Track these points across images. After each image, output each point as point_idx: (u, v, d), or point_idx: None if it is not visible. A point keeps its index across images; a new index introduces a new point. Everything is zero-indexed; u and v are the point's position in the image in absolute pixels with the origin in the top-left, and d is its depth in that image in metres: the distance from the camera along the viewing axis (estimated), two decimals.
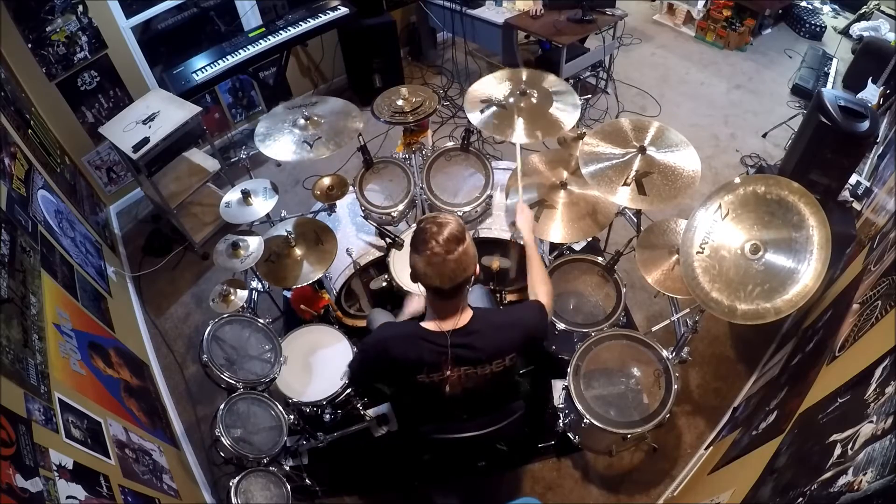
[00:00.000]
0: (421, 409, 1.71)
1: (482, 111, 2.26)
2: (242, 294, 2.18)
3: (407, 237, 2.29)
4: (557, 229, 2.16)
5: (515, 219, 2.01)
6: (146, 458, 1.99)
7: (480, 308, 1.58)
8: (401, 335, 1.55)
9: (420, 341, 1.50)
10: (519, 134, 2.20)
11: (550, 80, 2.37)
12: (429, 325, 1.52)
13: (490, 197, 2.51)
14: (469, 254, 1.43)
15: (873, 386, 1.18)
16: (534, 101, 2.28)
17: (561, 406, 2.18)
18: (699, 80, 4.52)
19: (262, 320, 2.15)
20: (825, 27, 4.93)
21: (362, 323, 2.65)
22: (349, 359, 2.17)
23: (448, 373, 1.52)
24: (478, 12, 4.13)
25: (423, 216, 1.47)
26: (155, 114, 2.93)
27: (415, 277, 1.46)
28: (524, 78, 2.37)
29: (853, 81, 3.92)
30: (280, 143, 2.24)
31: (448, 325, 1.49)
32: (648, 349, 2.06)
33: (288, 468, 2.11)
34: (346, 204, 2.70)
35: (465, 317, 1.51)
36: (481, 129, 2.30)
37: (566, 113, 2.25)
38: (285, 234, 2.19)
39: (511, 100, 2.30)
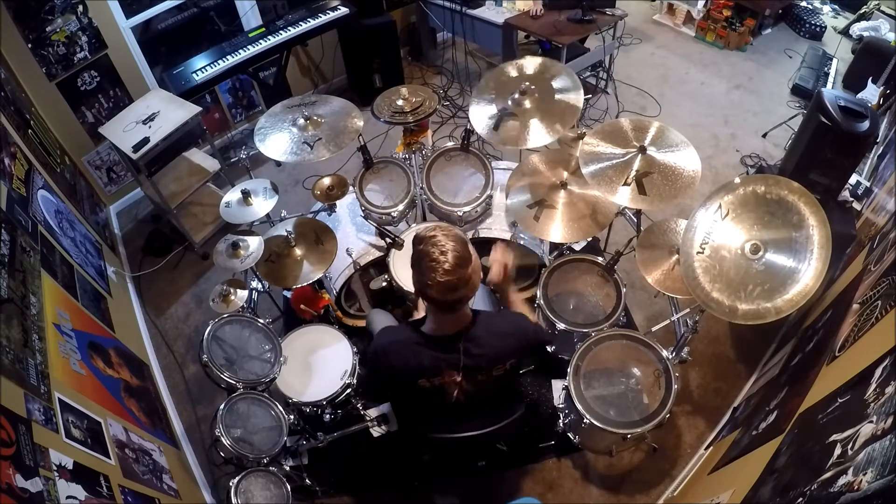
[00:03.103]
0: (424, 413, 1.71)
1: (495, 128, 2.26)
2: (242, 294, 2.18)
3: (408, 236, 2.28)
4: (557, 229, 2.16)
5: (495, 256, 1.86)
6: (146, 458, 1.99)
7: (481, 312, 1.56)
8: (399, 342, 1.54)
9: (419, 347, 1.49)
10: (538, 135, 2.20)
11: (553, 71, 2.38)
12: (430, 328, 1.51)
13: (490, 197, 2.51)
14: (476, 270, 1.39)
15: (873, 386, 1.18)
16: (536, 95, 2.28)
17: (561, 406, 2.18)
18: (699, 80, 4.52)
19: (262, 320, 2.15)
20: (825, 27, 4.93)
21: (362, 323, 2.66)
22: (349, 359, 2.17)
23: (449, 378, 1.52)
24: (478, 12, 4.13)
25: (421, 232, 1.41)
26: (155, 114, 2.93)
27: (419, 294, 1.43)
28: (524, 73, 2.37)
29: (853, 81, 3.92)
30: (279, 142, 2.24)
31: (455, 328, 1.48)
32: (648, 349, 2.05)
33: (288, 468, 2.11)
34: (346, 204, 2.70)
35: (468, 319, 1.51)
36: (501, 145, 2.29)
37: (572, 97, 2.26)
38: (285, 234, 2.20)
39: (512, 100, 2.31)
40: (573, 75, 2.31)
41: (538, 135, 2.21)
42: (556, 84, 2.30)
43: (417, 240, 1.40)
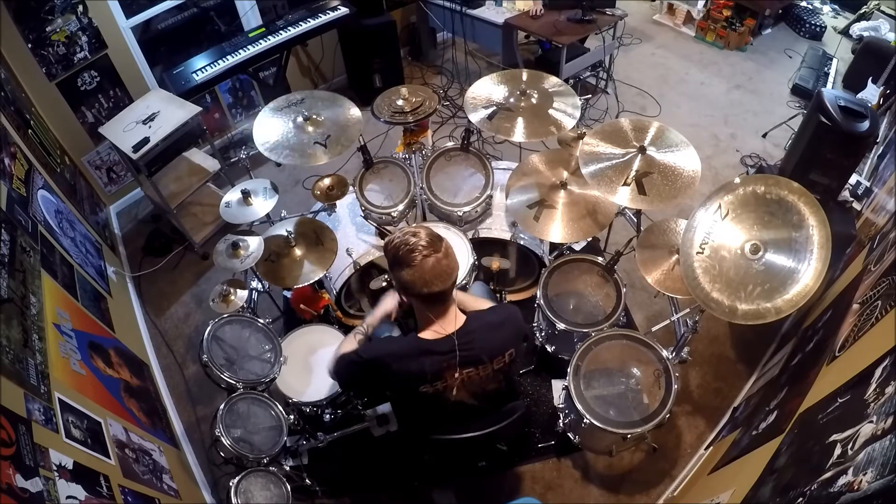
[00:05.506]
0: (425, 416, 1.70)
1: (490, 117, 2.28)
2: (242, 294, 2.17)
3: None
4: (557, 229, 2.16)
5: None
6: (146, 458, 1.99)
7: (473, 311, 1.59)
8: (402, 352, 1.53)
9: (419, 354, 1.49)
10: (520, 132, 2.22)
11: (551, 81, 2.39)
12: (427, 334, 1.51)
13: (490, 197, 2.51)
14: (451, 246, 1.47)
15: (873, 386, 1.18)
16: (534, 100, 2.29)
17: (561, 406, 2.18)
18: (699, 80, 4.53)
19: (262, 320, 2.15)
20: (825, 27, 4.93)
21: None
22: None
23: (451, 379, 1.52)
24: (478, 12, 4.13)
25: (387, 238, 1.52)
26: (155, 114, 2.93)
27: (409, 292, 1.46)
28: (524, 78, 2.38)
29: (853, 81, 3.93)
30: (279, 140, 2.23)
31: (450, 328, 1.49)
32: (648, 349, 2.05)
33: (288, 468, 2.11)
34: (346, 204, 2.70)
35: (461, 318, 1.52)
36: (491, 133, 2.33)
37: (566, 112, 2.28)
38: (285, 234, 2.20)
39: (512, 100, 2.32)
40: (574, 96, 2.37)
41: (522, 133, 2.26)
42: (554, 99, 2.34)
43: (386, 244, 1.47)
